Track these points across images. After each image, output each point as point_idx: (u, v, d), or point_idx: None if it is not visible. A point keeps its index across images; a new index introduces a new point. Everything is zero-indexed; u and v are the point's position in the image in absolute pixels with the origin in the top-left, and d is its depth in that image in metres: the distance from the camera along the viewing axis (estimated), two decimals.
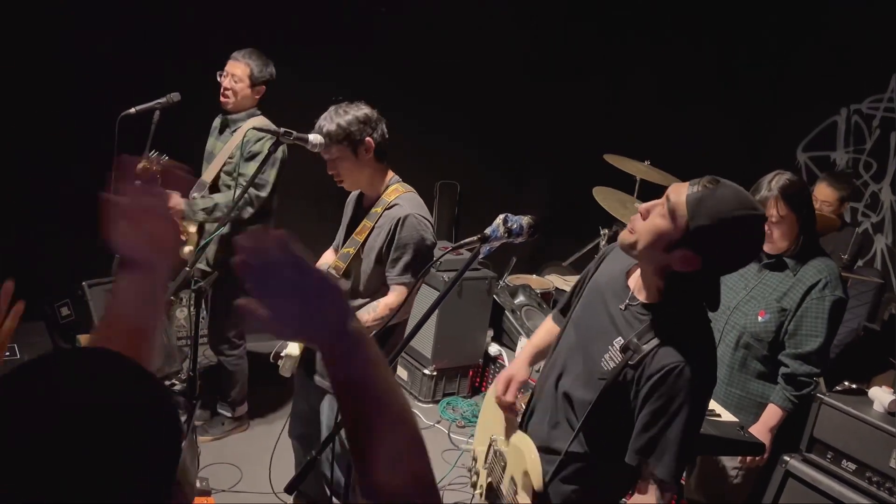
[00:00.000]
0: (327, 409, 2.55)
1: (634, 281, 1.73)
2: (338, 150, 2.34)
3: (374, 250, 2.40)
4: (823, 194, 3.94)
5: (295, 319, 0.83)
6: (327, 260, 2.66)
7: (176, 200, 3.04)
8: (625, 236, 1.65)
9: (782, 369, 2.56)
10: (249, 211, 3.20)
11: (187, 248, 2.90)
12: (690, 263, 1.53)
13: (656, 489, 1.60)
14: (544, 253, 5.55)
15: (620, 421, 1.66)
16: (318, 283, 0.84)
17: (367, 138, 2.37)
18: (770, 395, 2.59)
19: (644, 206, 1.62)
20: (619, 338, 1.67)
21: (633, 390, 1.63)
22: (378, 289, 2.44)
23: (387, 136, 2.44)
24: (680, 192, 1.54)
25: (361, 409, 0.87)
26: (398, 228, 2.34)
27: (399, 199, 2.41)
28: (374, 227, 2.41)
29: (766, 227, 2.58)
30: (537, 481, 1.78)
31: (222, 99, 3.28)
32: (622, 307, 1.70)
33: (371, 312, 2.37)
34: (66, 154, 3.78)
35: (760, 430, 2.55)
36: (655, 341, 1.60)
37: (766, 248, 2.64)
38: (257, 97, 3.32)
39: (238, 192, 3.13)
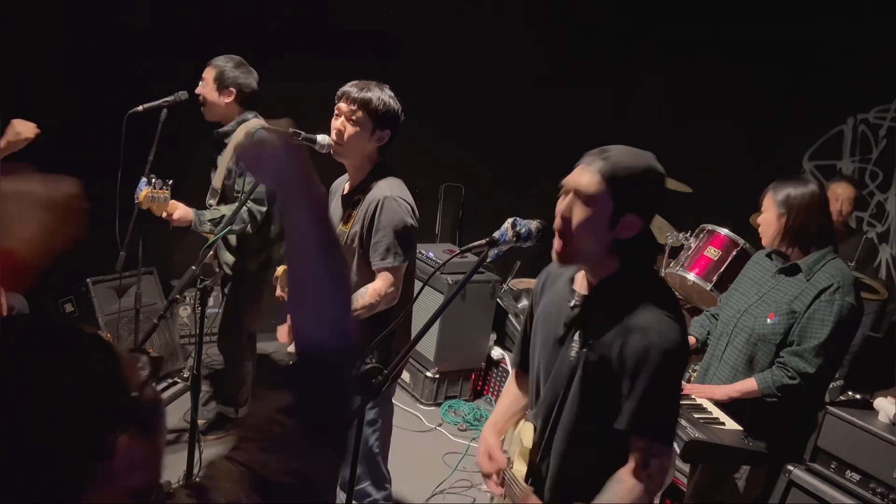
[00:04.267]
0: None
1: (580, 281, 1.72)
2: (364, 116, 2.33)
3: (358, 237, 2.38)
4: (847, 191, 4.04)
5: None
6: None
7: (184, 211, 3.06)
8: (558, 253, 1.63)
9: (778, 359, 2.54)
10: (252, 227, 3.21)
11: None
12: (635, 225, 1.58)
13: (639, 453, 1.57)
14: (548, 258, 5.55)
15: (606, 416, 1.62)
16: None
17: (388, 130, 2.39)
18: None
19: (559, 211, 1.61)
20: (578, 331, 1.65)
21: (608, 373, 1.59)
22: (369, 279, 2.40)
23: (395, 140, 2.46)
24: (583, 176, 1.57)
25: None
26: (377, 211, 2.32)
27: (379, 183, 2.39)
28: (356, 214, 2.39)
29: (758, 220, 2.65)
30: (528, 438, 1.77)
31: (201, 108, 3.27)
32: (570, 306, 1.69)
33: (359, 300, 2.33)
34: (72, 151, 3.78)
35: (725, 389, 2.56)
36: (612, 317, 1.59)
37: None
38: (228, 101, 3.22)
39: (237, 207, 3.15)
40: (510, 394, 2.05)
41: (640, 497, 1.56)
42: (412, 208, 2.39)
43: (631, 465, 1.58)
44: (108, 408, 0.78)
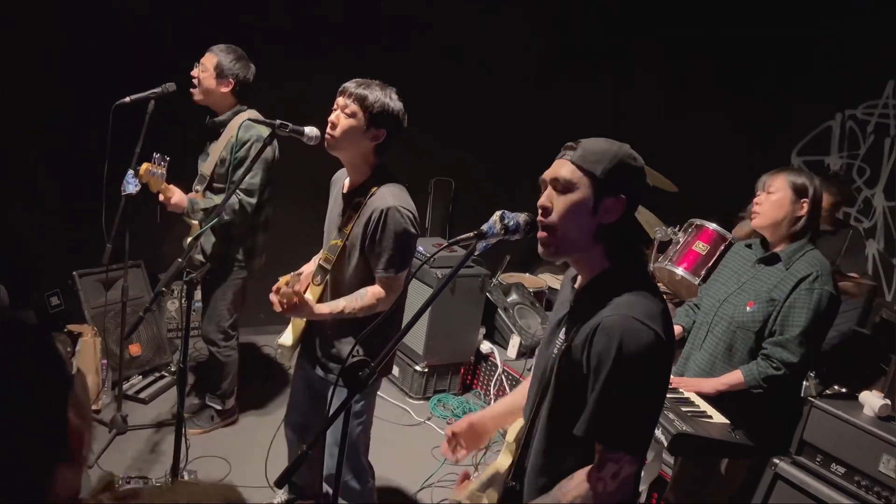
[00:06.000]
0: (333, 401, 2.54)
1: (579, 280, 1.71)
2: (358, 111, 2.33)
3: (358, 241, 2.40)
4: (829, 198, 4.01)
5: None
6: (311, 266, 2.65)
7: (181, 198, 3.05)
8: (542, 244, 1.61)
9: (761, 351, 2.57)
10: (240, 219, 3.20)
11: (188, 240, 2.92)
12: (616, 209, 1.57)
13: (597, 455, 1.54)
14: (538, 252, 5.55)
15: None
16: None
17: (384, 130, 2.38)
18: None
19: (540, 203, 1.61)
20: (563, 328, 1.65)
21: (578, 372, 1.55)
22: (365, 279, 2.44)
23: (393, 142, 2.45)
24: (562, 167, 1.58)
25: None
26: (380, 222, 2.34)
27: (382, 189, 2.40)
28: (357, 218, 2.41)
29: (757, 200, 2.64)
30: (513, 433, 1.78)
31: (190, 89, 3.26)
32: (566, 303, 1.69)
33: (359, 300, 2.38)
34: (58, 143, 3.75)
35: (712, 383, 2.57)
36: (590, 316, 1.55)
37: (753, 222, 2.68)
38: (225, 91, 3.23)
39: (225, 196, 3.15)
40: (518, 391, 2.04)
41: (587, 498, 1.52)
42: (413, 217, 2.42)
43: (589, 466, 1.55)
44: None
